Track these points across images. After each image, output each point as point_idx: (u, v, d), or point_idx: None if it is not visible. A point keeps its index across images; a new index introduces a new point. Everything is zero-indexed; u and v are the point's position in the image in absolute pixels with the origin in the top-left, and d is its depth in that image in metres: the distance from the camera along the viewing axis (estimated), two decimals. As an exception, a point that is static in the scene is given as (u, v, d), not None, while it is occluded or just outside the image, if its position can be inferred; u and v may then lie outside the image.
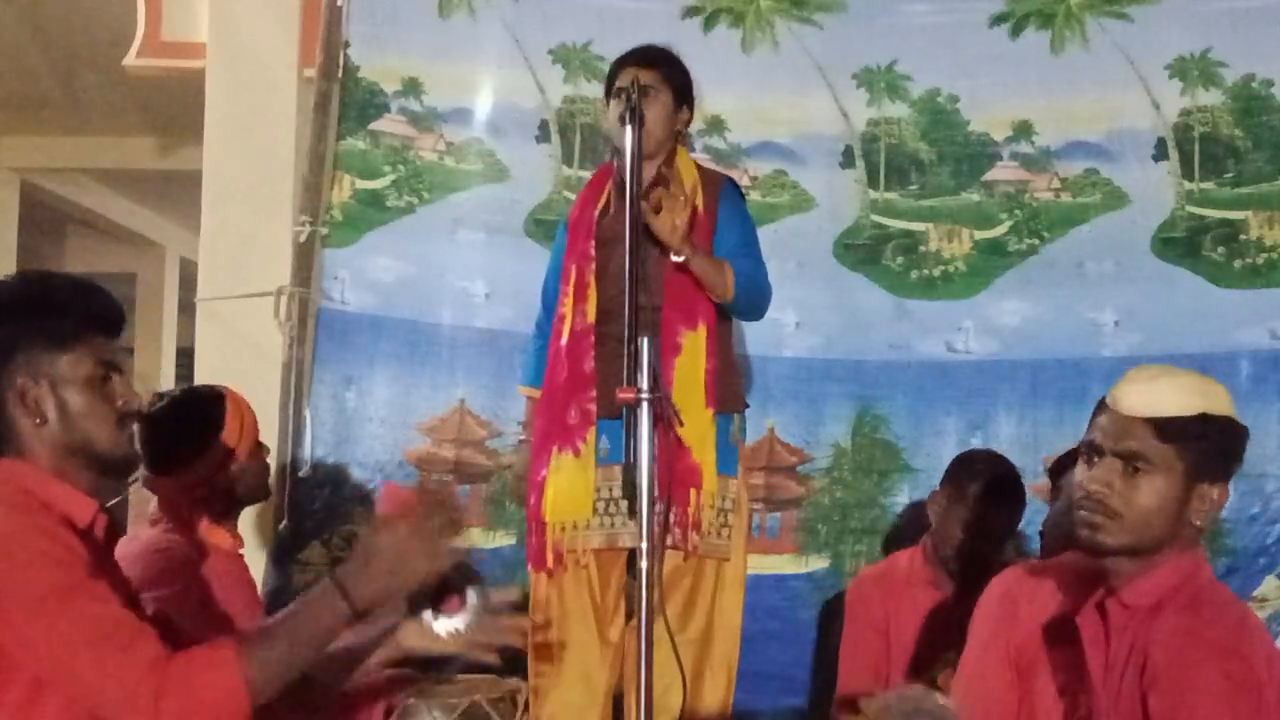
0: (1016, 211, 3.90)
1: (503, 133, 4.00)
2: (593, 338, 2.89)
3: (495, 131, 4.00)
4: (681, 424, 2.43)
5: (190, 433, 2.65)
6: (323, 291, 3.92)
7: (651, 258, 2.77)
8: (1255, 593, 3.57)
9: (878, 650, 3.04)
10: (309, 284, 3.91)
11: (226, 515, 2.74)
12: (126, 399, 1.78)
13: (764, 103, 3.96)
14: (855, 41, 3.94)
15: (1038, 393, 3.81)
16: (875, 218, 3.94)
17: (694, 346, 2.84)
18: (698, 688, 2.85)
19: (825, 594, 3.71)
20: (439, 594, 1.84)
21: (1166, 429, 1.85)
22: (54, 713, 1.59)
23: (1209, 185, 3.82)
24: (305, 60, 4.05)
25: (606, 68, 3.17)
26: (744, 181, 3.77)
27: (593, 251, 2.93)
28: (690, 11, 3.95)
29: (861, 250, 3.93)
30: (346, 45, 3.95)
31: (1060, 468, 3.06)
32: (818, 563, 3.81)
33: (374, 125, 3.98)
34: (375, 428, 3.88)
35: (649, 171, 2.88)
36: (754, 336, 3.64)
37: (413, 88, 3.99)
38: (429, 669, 2.05)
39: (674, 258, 2.78)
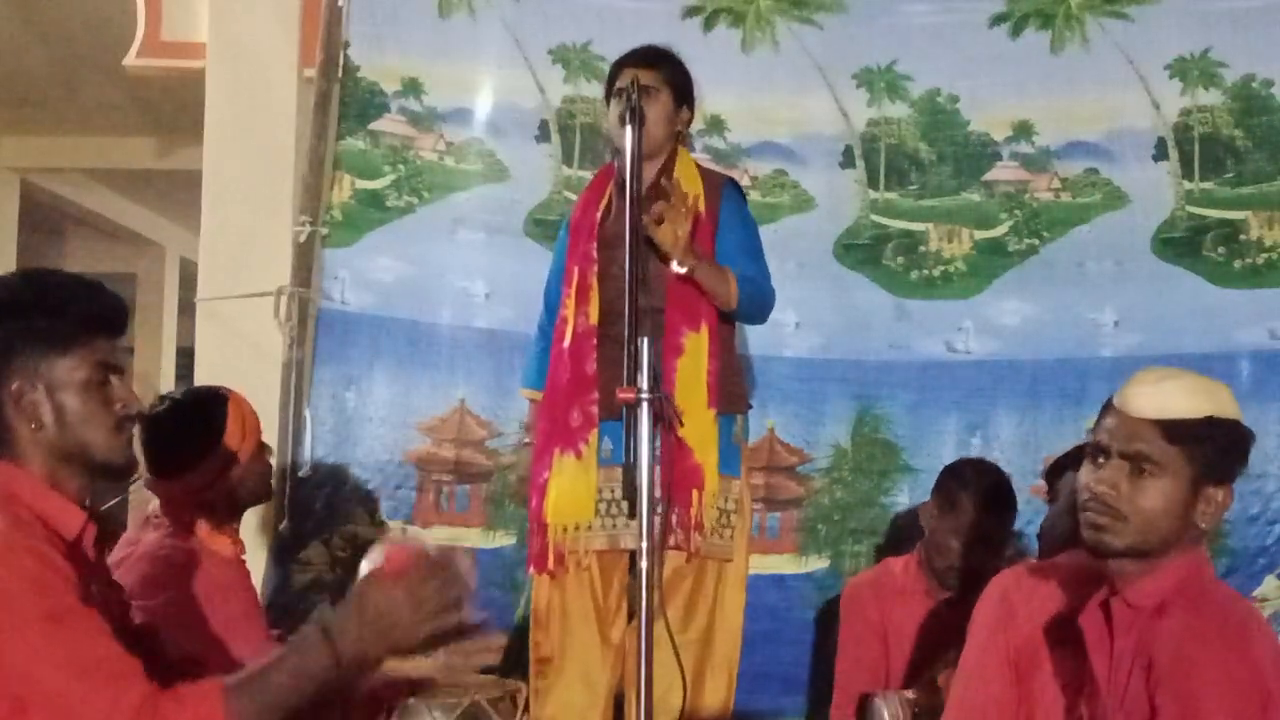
0: (1016, 211, 3.90)
1: (503, 133, 4.00)
2: (595, 339, 2.89)
3: (495, 131, 3.99)
4: (682, 424, 2.43)
5: (193, 436, 2.63)
6: (323, 291, 3.92)
7: (653, 259, 2.76)
8: (1256, 593, 3.56)
9: (876, 652, 3.03)
10: (309, 284, 3.90)
11: (229, 517, 2.72)
12: (125, 402, 1.75)
13: (764, 103, 3.96)
14: (855, 41, 3.94)
15: (1038, 393, 3.80)
16: (875, 218, 3.94)
17: (696, 347, 2.84)
18: (698, 688, 2.85)
19: (825, 594, 3.70)
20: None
21: (1174, 431, 1.84)
22: None
23: (1209, 185, 3.82)
24: (305, 60, 4.05)
25: (606, 68, 3.17)
26: (744, 181, 3.76)
27: (595, 253, 2.92)
28: (690, 11, 3.95)
29: (861, 250, 3.93)
30: (346, 45, 3.94)
31: (1058, 469, 3.05)
32: (817, 563, 3.81)
33: (374, 125, 3.98)
34: (375, 428, 3.88)
35: (649, 172, 2.87)
36: (754, 337, 3.64)
37: (413, 88, 3.98)
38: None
39: (676, 268, 2.76)
